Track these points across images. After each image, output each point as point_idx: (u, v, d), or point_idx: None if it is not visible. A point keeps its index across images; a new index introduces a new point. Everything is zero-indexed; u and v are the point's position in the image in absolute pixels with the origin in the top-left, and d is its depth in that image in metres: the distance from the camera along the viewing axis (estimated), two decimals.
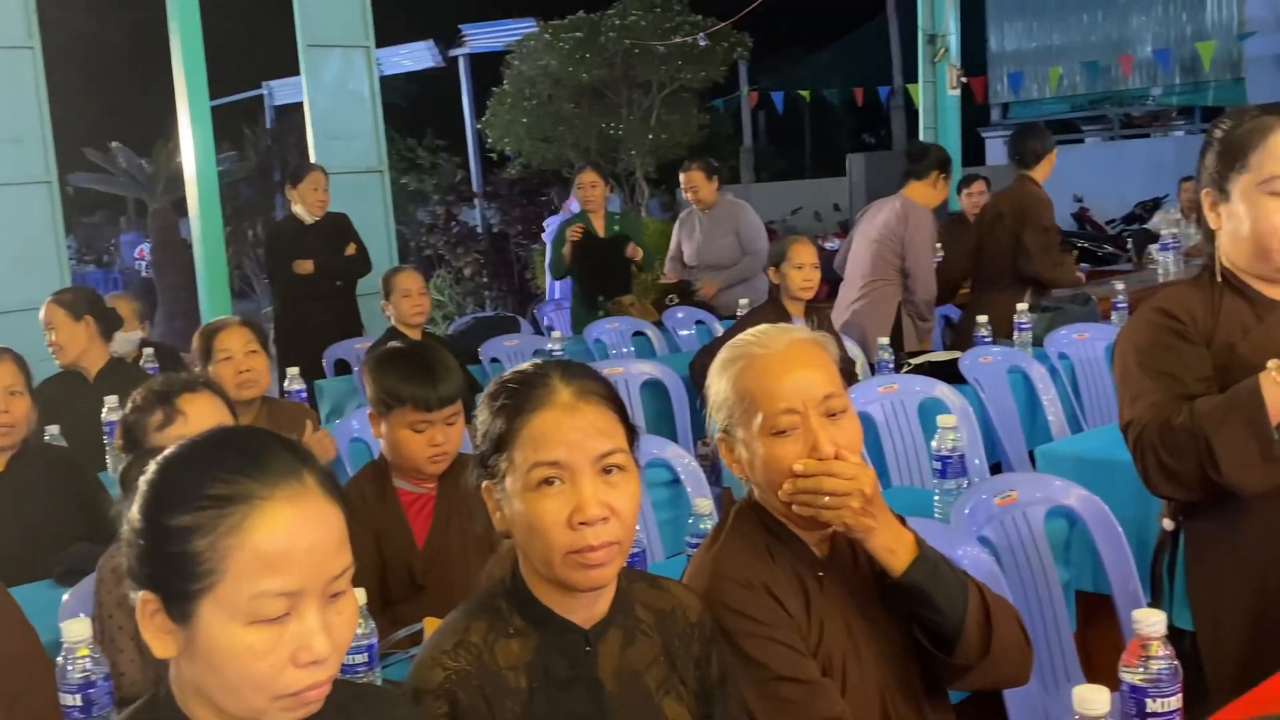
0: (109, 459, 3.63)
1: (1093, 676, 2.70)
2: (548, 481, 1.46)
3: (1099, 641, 2.80)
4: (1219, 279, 2.11)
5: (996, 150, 16.61)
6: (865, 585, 1.79)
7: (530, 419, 1.48)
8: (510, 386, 1.53)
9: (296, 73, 7.33)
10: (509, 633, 1.51)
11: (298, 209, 6.23)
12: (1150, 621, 1.51)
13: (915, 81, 10.72)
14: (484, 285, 12.36)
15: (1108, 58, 15.57)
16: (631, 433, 1.54)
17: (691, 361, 4.81)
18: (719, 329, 6.10)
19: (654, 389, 4.82)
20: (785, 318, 4.64)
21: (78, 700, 1.82)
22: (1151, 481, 2.04)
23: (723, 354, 1.78)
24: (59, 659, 1.85)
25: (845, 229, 13.19)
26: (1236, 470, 1.93)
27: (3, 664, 1.99)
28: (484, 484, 1.54)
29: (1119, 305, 5.38)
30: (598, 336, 6.08)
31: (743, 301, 6.03)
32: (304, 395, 4.13)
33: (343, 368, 5.72)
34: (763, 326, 1.81)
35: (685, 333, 6.36)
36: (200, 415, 2.33)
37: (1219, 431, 1.93)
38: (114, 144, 14.59)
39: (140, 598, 1.18)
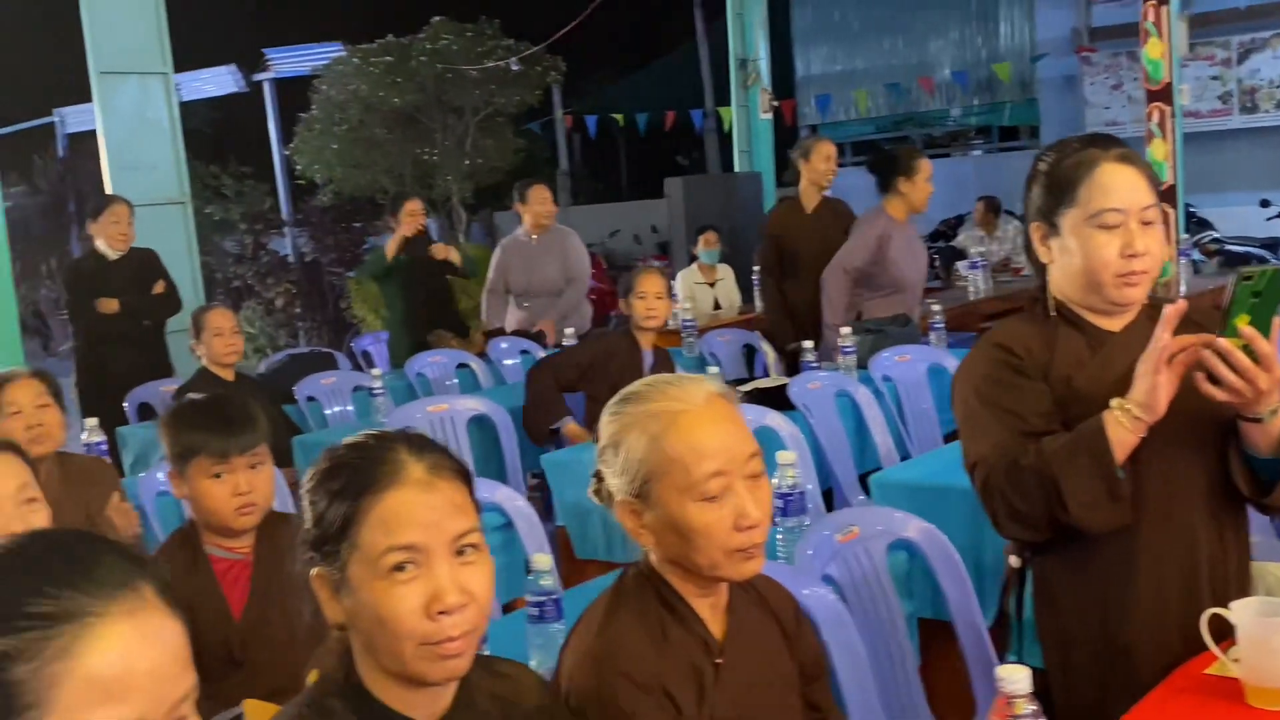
0: None
1: (935, 704, 2.70)
2: (399, 568, 1.32)
3: (940, 669, 2.80)
4: (1053, 312, 2.10)
5: None
6: (763, 664, 1.70)
7: (379, 499, 1.34)
8: (351, 463, 1.38)
9: (89, 98, 6.90)
10: None
11: (100, 244, 5.92)
12: (1014, 679, 1.46)
13: (727, 105, 10.87)
14: (297, 316, 11.95)
15: (909, 80, 16.11)
16: (479, 509, 1.42)
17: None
18: None
19: (480, 424, 4.66)
20: (636, 347, 4.60)
21: None
22: (1000, 524, 2.00)
23: (631, 407, 1.64)
24: None
25: (664, 251, 13.26)
26: (1084, 510, 1.91)
27: None
28: (315, 571, 1.38)
29: (936, 325, 5.48)
30: (420, 370, 5.89)
31: (568, 331, 5.95)
32: (105, 448, 3.86)
33: (148, 412, 5.38)
34: (664, 376, 1.71)
35: (510, 362, 6.22)
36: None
37: (1066, 472, 1.91)
38: None
39: None
